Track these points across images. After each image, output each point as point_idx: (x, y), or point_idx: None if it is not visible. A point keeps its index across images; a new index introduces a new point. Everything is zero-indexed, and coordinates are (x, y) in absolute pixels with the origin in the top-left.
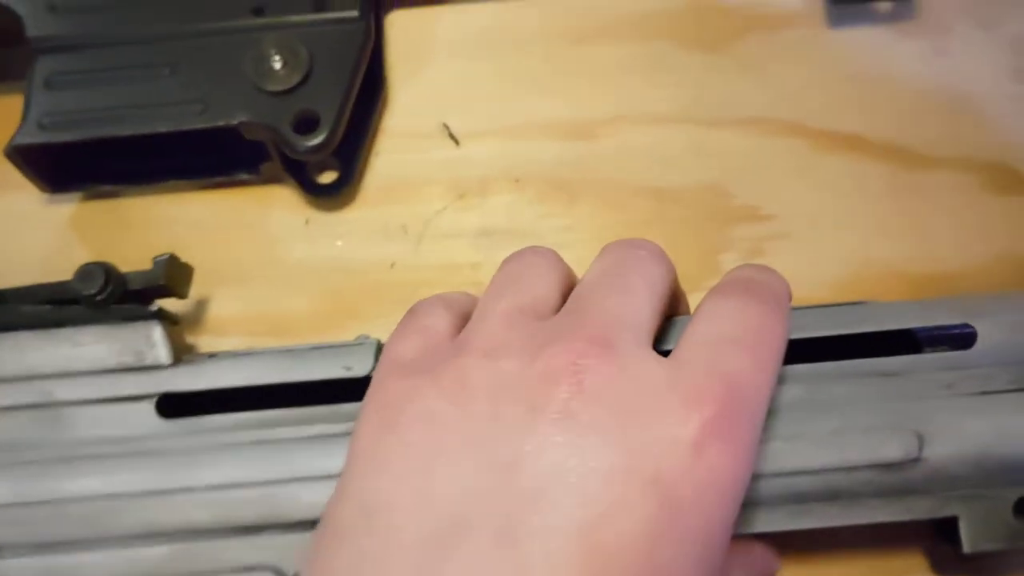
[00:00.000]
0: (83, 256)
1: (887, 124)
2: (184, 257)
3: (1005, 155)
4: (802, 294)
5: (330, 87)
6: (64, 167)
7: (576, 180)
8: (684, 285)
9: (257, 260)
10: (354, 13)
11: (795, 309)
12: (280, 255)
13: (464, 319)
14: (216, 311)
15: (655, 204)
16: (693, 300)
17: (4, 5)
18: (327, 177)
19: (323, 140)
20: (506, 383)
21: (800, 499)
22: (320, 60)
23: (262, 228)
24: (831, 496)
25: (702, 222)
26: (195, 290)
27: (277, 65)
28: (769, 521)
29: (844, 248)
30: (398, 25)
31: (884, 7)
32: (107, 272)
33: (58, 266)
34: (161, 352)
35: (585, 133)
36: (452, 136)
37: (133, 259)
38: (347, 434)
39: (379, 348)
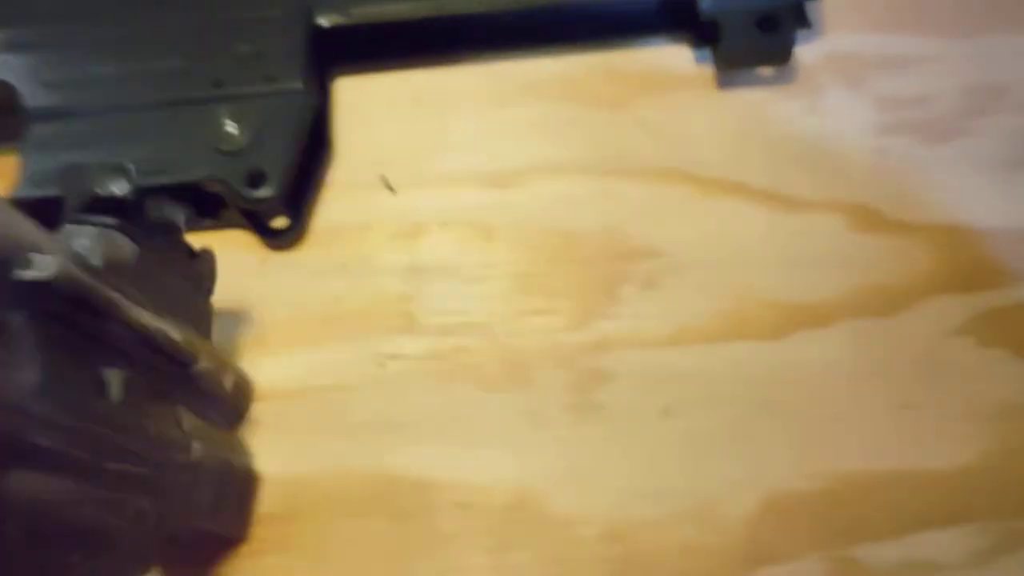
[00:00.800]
0: None
1: (766, 172)
2: None
3: (867, 198)
4: (689, 322)
5: (277, 148)
6: (54, 215)
7: (494, 223)
8: (587, 314)
9: (217, 294)
10: (299, 85)
11: None
12: (238, 290)
13: None
14: None
15: (562, 243)
16: (592, 329)
17: (7, 83)
18: (279, 223)
19: (269, 194)
20: None
21: None
22: (269, 125)
23: (222, 267)
24: None
25: (604, 259)
26: None
27: (232, 129)
28: None
29: (727, 280)
30: (344, 90)
31: (766, 72)
32: None
33: None
34: None
35: (502, 183)
36: (389, 186)
37: None
38: None
39: None
